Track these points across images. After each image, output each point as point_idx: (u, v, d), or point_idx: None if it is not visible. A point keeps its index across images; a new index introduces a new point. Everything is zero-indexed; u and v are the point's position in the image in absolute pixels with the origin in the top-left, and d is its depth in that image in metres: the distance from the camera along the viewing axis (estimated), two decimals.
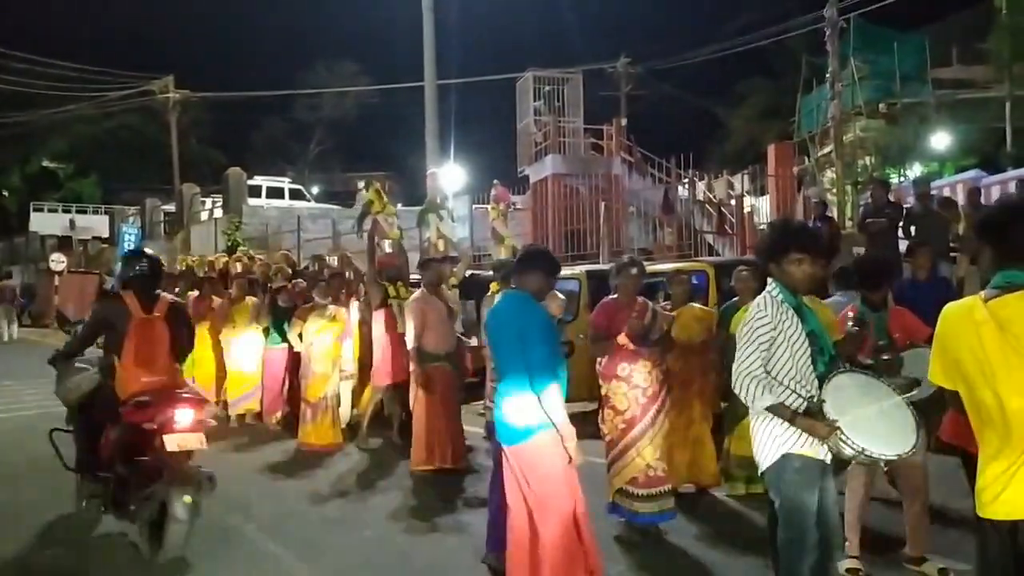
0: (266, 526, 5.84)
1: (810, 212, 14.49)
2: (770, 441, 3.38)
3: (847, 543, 4.63)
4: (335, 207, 27.44)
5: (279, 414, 9.35)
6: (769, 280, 3.52)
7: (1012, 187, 15.17)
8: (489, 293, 7.28)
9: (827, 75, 18.99)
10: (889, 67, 20.90)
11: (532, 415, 3.93)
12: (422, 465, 7.01)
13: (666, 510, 5.34)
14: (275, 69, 53.21)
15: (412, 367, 7.29)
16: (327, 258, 10.85)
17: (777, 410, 3.29)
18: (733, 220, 15.39)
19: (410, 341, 7.18)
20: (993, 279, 2.64)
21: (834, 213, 17.52)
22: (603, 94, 29.82)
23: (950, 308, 2.74)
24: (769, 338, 3.33)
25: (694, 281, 7.94)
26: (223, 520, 5.96)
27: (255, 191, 27.43)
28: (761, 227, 15.16)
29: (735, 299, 6.46)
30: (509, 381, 4.05)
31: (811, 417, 3.27)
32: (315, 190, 35.62)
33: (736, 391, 3.38)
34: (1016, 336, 2.49)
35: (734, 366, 3.38)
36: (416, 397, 7.23)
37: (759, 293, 6.29)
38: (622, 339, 5.25)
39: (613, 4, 48.19)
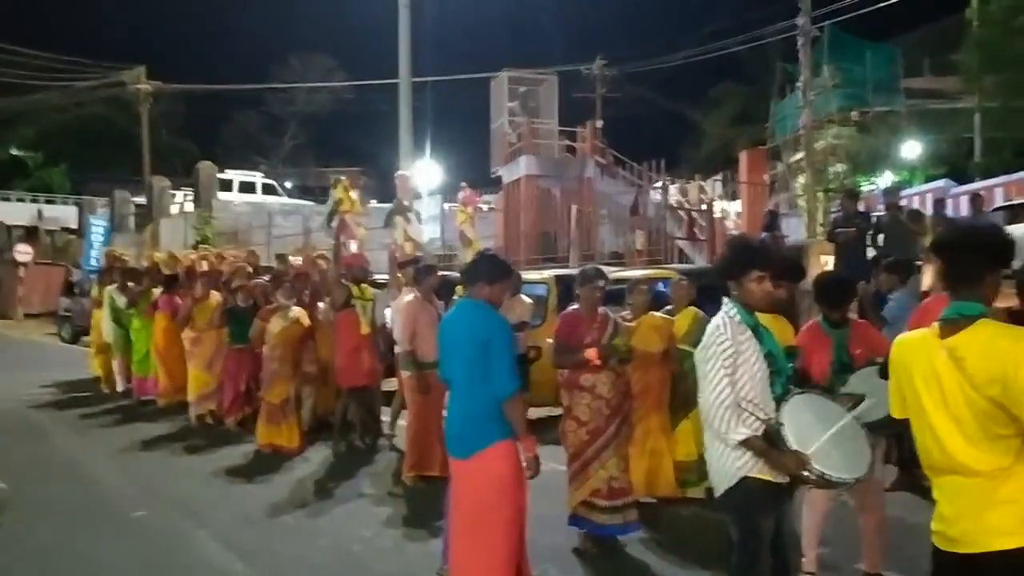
0: (218, 533, 5.71)
1: (779, 219, 14.57)
2: (728, 464, 3.32)
3: (804, 559, 4.61)
4: (307, 203, 27.22)
5: (239, 415, 9.20)
6: (725, 300, 3.45)
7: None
8: (455, 297, 7.19)
9: (798, 83, 19.13)
10: (861, 76, 21.14)
11: (488, 427, 3.87)
12: (415, 471, 6.83)
13: (631, 521, 5.30)
14: (249, 62, 52.78)
15: (405, 372, 7.14)
16: (290, 258, 10.69)
17: (751, 443, 3.23)
18: (704, 225, 15.42)
19: (402, 345, 7.03)
20: (946, 310, 2.62)
21: (804, 219, 17.68)
22: (578, 95, 29.85)
23: (903, 341, 2.73)
24: (731, 360, 3.28)
25: (661, 288, 7.94)
26: (174, 526, 5.86)
27: (227, 185, 27.14)
28: (731, 233, 15.20)
29: (669, 307, 6.48)
30: (466, 391, 3.98)
31: (771, 442, 3.22)
32: (288, 184, 35.30)
33: (711, 422, 3.31)
34: (969, 374, 2.47)
35: (705, 396, 3.30)
36: (409, 403, 7.10)
37: (694, 303, 6.39)
38: (591, 354, 5.18)
39: (589, 6, 48.26)
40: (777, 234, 12.71)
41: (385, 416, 8.71)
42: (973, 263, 2.60)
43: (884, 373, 3.72)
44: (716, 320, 3.40)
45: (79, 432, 9.47)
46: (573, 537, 5.32)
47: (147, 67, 33.85)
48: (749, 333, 3.34)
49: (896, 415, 2.73)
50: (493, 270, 4.21)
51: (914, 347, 2.65)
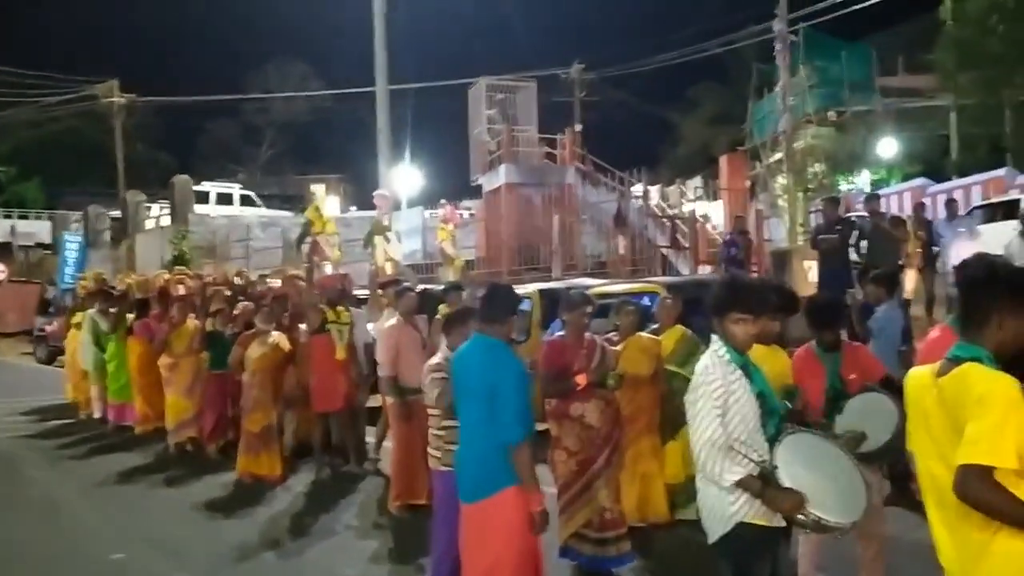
0: (198, 574, 5.53)
1: (761, 223, 14.56)
2: (722, 509, 3.20)
3: None
4: (286, 214, 26.93)
5: (220, 441, 9.01)
6: (714, 338, 3.35)
7: (959, 195, 15.48)
8: (438, 316, 7.06)
9: (777, 87, 19.12)
10: (837, 76, 21.11)
11: (496, 471, 3.76)
12: (401, 500, 6.64)
13: (624, 553, 5.18)
14: (224, 70, 52.11)
15: (388, 399, 7.00)
16: (268, 281, 10.51)
17: (746, 484, 3.12)
18: (686, 231, 15.32)
19: (384, 370, 6.90)
20: (951, 348, 2.55)
21: (785, 220, 17.67)
22: (556, 100, 29.78)
23: (911, 375, 2.66)
24: (722, 401, 3.17)
25: (645, 302, 7.82)
26: (152, 569, 5.67)
27: (203, 197, 26.80)
28: (714, 238, 15.15)
29: (654, 326, 6.38)
30: (475, 433, 3.88)
31: (773, 488, 3.11)
32: (268, 194, 34.96)
33: (699, 463, 3.19)
34: (951, 415, 2.40)
35: (695, 438, 3.19)
36: (393, 431, 6.96)
37: (680, 321, 6.30)
38: (581, 380, 5.07)
39: (566, 11, 48.34)
40: (748, 237, 12.80)
41: (370, 438, 8.55)
42: (980, 304, 2.50)
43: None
44: (704, 360, 3.30)
45: (54, 464, 9.23)
46: (564, 569, 5.19)
47: (120, 80, 33.48)
48: (739, 373, 3.24)
49: (910, 447, 2.65)
50: (510, 305, 4.11)
51: (916, 382, 2.60)
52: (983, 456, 2.26)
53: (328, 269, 8.78)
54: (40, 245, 36.14)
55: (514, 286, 10.19)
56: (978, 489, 2.27)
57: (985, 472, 2.26)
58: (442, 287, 8.57)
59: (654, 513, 5.99)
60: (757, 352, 3.78)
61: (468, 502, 3.90)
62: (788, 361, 4.52)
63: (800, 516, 3.08)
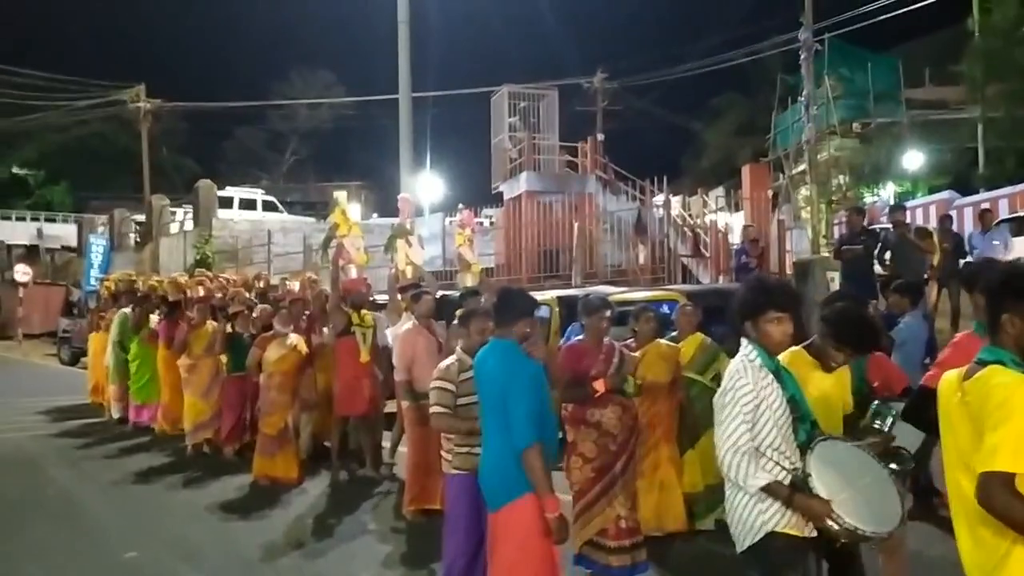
0: (212, 575, 5.51)
1: (783, 234, 14.44)
2: (752, 519, 3.10)
3: None
4: (308, 219, 27.09)
5: (237, 443, 9.02)
6: (744, 343, 3.26)
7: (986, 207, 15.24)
8: (455, 322, 7.03)
9: (801, 97, 18.99)
10: (863, 87, 20.99)
11: (513, 478, 3.71)
12: (415, 505, 6.59)
13: (639, 562, 5.09)
14: (250, 78, 52.87)
15: (403, 403, 6.97)
16: (288, 283, 10.52)
17: (773, 489, 3.04)
18: (708, 240, 15.22)
19: (400, 374, 6.88)
20: (979, 352, 2.52)
21: (808, 231, 17.51)
22: (579, 109, 29.78)
23: (943, 381, 2.62)
24: (753, 407, 3.07)
25: (665, 310, 7.76)
26: (167, 569, 5.67)
27: (227, 202, 26.99)
28: (735, 247, 15.02)
29: (674, 333, 6.32)
30: (492, 440, 3.84)
31: (802, 493, 3.03)
32: (290, 200, 35.21)
33: (723, 469, 3.11)
34: (975, 419, 2.37)
35: (720, 443, 3.11)
36: (408, 435, 6.93)
37: (700, 329, 6.21)
38: (599, 386, 5.01)
39: (590, 20, 48.41)
40: (759, 244, 12.73)
41: (385, 443, 8.53)
42: (993, 307, 2.50)
43: (906, 415, 3.53)
44: (735, 364, 3.21)
45: (73, 463, 9.27)
46: None
47: (147, 85, 33.92)
48: (771, 377, 3.15)
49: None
50: (531, 305, 4.08)
51: (946, 387, 2.57)
52: (1005, 463, 2.22)
53: (353, 272, 8.78)
54: (66, 248, 36.65)
55: (533, 292, 10.21)
56: (999, 496, 2.22)
57: (1007, 479, 2.22)
58: (459, 293, 8.54)
59: (672, 522, 5.90)
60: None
61: (491, 510, 3.85)
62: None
63: (835, 525, 3.01)
